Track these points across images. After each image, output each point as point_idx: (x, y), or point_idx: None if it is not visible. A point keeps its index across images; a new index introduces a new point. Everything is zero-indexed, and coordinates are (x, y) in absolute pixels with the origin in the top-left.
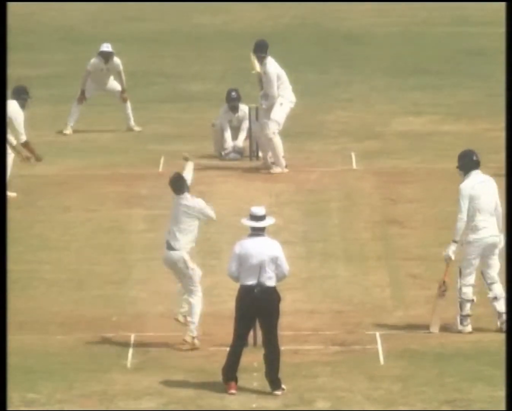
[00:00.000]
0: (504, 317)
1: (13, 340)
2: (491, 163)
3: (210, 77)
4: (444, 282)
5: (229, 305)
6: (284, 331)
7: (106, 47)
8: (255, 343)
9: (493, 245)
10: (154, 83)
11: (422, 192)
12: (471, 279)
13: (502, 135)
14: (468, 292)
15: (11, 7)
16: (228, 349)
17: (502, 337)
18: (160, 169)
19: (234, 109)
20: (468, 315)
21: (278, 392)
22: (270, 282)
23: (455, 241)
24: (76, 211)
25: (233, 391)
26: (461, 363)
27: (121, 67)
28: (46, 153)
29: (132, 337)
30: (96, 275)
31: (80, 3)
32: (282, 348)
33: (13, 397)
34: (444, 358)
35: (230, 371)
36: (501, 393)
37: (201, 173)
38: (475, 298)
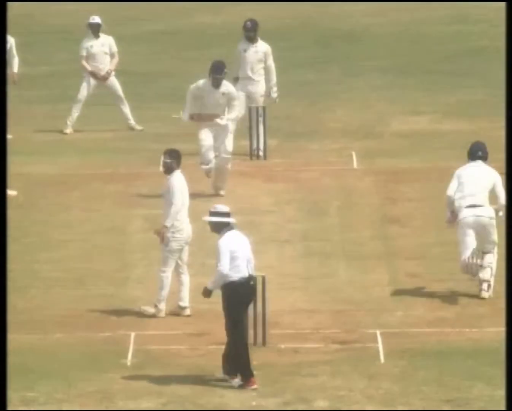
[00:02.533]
0: (484, 286)
1: (13, 339)
2: (491, 162)
3: None
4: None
5: None
6: (284, 329)
7: (92, 19)
8: (255, 343)
9: (476, 224)
10: (155, 82)
11: (422, 191)
12: (467, 252)
13: (502, 134)
14: (467, 259)
15: (11, 6)
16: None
17: (502, 336)
18: (161, 169)
19: (250, 39)
20: (469, 257)
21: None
22: (253, 274)
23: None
24: (76, 211)
25: (256, 386)
26: (461, 362)
27: (115, 48)
28: (46, 152)
29: (132, 336)
30: (96, 274)
31: (80, 3)
32: (282, 346)
33: (13, 396)
34: (444, 357)
35: (250, 366)
36: (501, 392)
37: (201, 172)
38: (478, 261)
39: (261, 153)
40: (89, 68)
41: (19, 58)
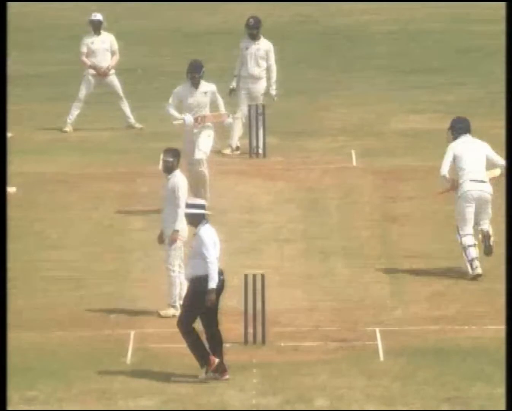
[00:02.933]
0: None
1: (13, 338)
2: None
3: (210, 75)
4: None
5: (228, 302)
6: (283, 328)
7: (94, 16)
8: (254, 341)
9: (480, 198)
10: (154, 81)
11: (422, 190)
12: (467, 229)
13: (502, 132)
14: (467, 239)
15: (11, 5)
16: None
17: (502, 334)
18: (160, 167)
19: (253, 36)
20: (475, 258)
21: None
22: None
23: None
24: (75, 209)
25: (217, 360)
26: (461, 361)
27: (116, 46)
28: (46, 150)
29: (132, 335)
30: (96, 273)
31: (80, 2)
32: (282, 344)
33: (13, 395)
34: (444, 356)
35: (206, 349)
36: (501, 391)
37: None
38: (476, 242)
39: (260, 151)
40: (88, 63)
41: (20, 56)
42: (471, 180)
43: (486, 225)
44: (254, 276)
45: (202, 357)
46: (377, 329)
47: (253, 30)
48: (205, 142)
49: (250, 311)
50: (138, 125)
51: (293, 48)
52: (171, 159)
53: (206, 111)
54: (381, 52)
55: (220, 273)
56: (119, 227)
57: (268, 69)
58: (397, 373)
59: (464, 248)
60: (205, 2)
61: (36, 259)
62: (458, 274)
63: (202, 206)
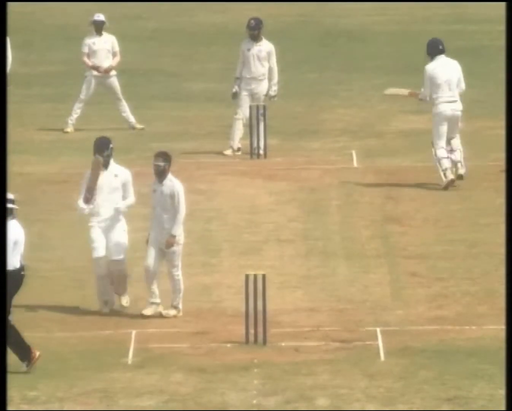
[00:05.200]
0: (458, 165)
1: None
2: (491, 161)
3: (211, 75)
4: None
5: (229, 303)
6: (284, 328)
7: (97, 16)
8: (255, 341)
9: (453, 117)
10: (155, 82)
11: (422, 191)
12: (441, 143)
13: (502, 133)
14: (441, 152)
15: (11, 5)
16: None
17: (502, 334)
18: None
19: (254, 37)
20: (447, 168)
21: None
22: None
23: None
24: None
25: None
26: (462, 361)
27: (117, 48)
28: (47, 151)
29: (133, 335)
30: None
31: (80, 2)
32: (283, 345)
33: (14, 395)
34: (445, 356)
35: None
36: (502, 391)
37: (202, 171)
38: (448, 155)
39: (261, 152)
40: (90, 63)
41: (20, 56)
42: (445, 102)
43: (457, 153)
44: (255, 276)
45: (23, 351)
46: (378, 329)
47: (254, 31)
48: (122, 238)
49: (251, 311)
50: (139, 126)
51: (294, 48)
52: (162, 164)
53: (120, 197)
54: (381, 52)
55: (21, 269)
56: None
57: (269, 70)
58: (398, 373)
59: (438, 160)
60: (205, 2)
61: (37, 259)
62: (459, 275)
63: (10, 201)
